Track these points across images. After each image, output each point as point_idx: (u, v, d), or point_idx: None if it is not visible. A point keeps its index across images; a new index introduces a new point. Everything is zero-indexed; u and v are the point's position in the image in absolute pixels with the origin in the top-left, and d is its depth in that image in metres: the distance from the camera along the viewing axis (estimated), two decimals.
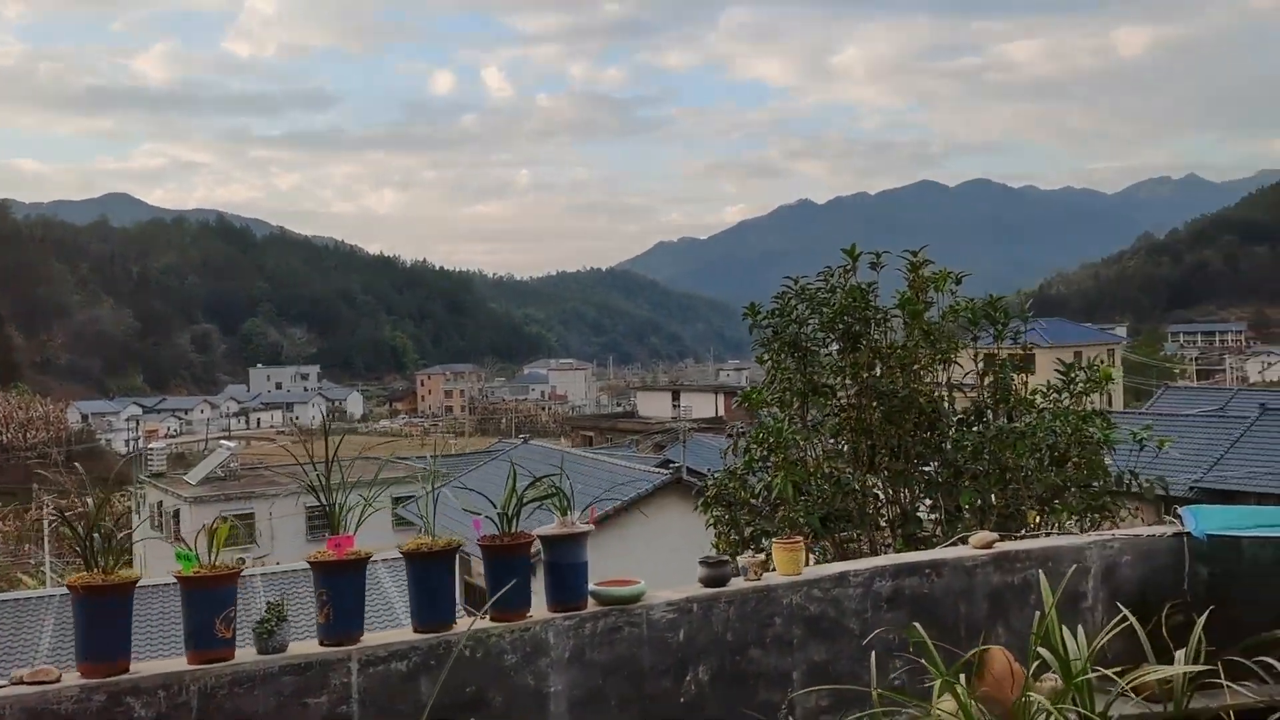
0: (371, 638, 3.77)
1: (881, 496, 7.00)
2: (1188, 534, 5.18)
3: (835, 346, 7.08)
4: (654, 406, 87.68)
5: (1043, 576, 3.71)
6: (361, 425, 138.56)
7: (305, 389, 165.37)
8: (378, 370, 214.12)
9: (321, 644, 3.69)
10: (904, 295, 7.00)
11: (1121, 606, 4.61)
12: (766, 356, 7.30)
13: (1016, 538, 5.23)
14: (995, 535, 5.06)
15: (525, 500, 4.06)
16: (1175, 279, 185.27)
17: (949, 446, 6.63)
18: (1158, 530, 5.32)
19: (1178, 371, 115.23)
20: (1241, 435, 42.63)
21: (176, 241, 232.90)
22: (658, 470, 32.38)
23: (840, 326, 6.98)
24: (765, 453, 6.97)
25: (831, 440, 7.13)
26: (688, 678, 4.24)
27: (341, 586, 3.70)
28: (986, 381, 7.15)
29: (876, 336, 6.92)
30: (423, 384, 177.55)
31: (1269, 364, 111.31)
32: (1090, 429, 6.49)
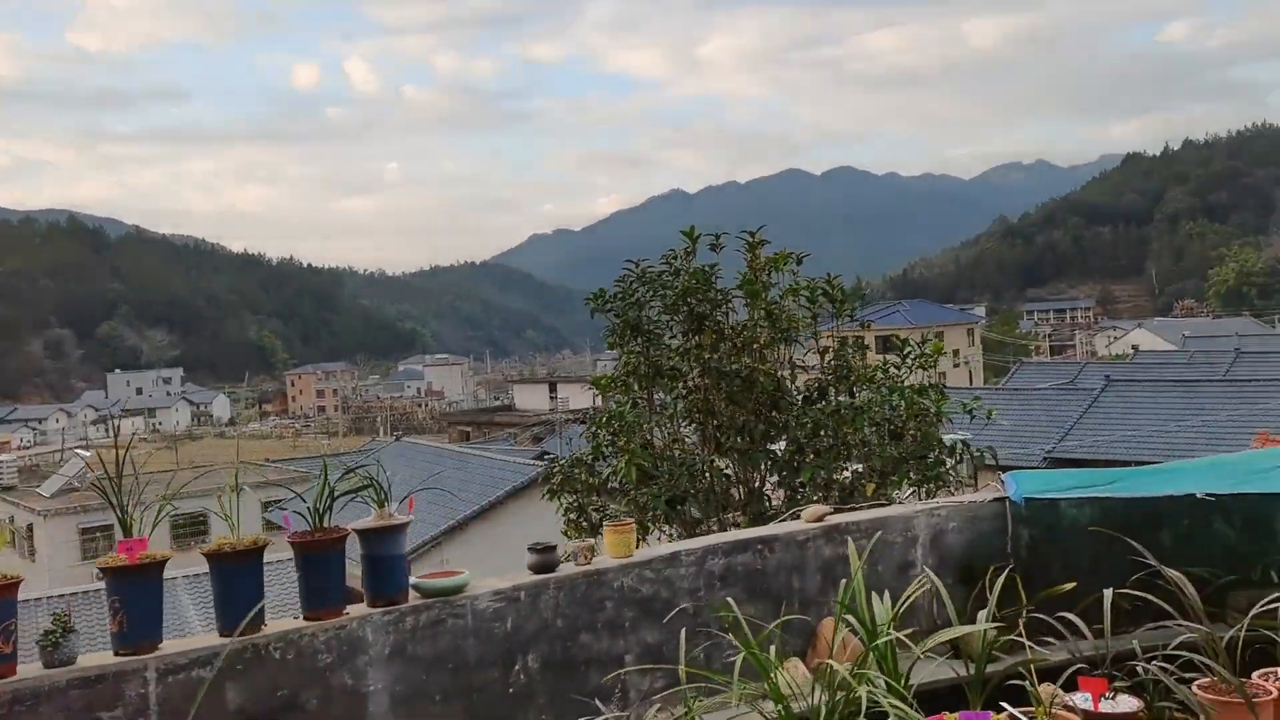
0: (171, 645, 3.57)
1: (731, 477, 7.05)
2: (1009, 498, 5.35)
3: (680, 329, 7.08)
4: (531, 399, 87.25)
5: (851, 546, 3.76)
6: (229, 429, 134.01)
7: (168, 394, 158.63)
8: (245, 372, 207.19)
9: (116, 654, 3.48)
10: (744, 276, 7.04)
11: (929, 574, 4.71)
12: (614, 342, 7.27)
13: (847, 510, 5.31)
14: (827, 509, 5.13)
15: (337, 494, 3.90)
16: (1029, 260, 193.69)
17: (792, 424, 6.72)
18: (980, 496, 5.49)
19: (1032, 348, 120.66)
20: (1089, 406, 44.91)
21: (24, 243, 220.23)
22: (534, 463, 32.22)
23: (684, 309, 6.99)
24: (611, 437, 6.94)
25: (682, 422, 7.14)
26: (516, 667, 4.16)
27: (135, 592, 3.49)
28: (827, 360, 7.26)
29: (720, 318, 6.95)
30: (293, 384, 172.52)
31: (1115, 338, 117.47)
32: (924, 402, 6.65)
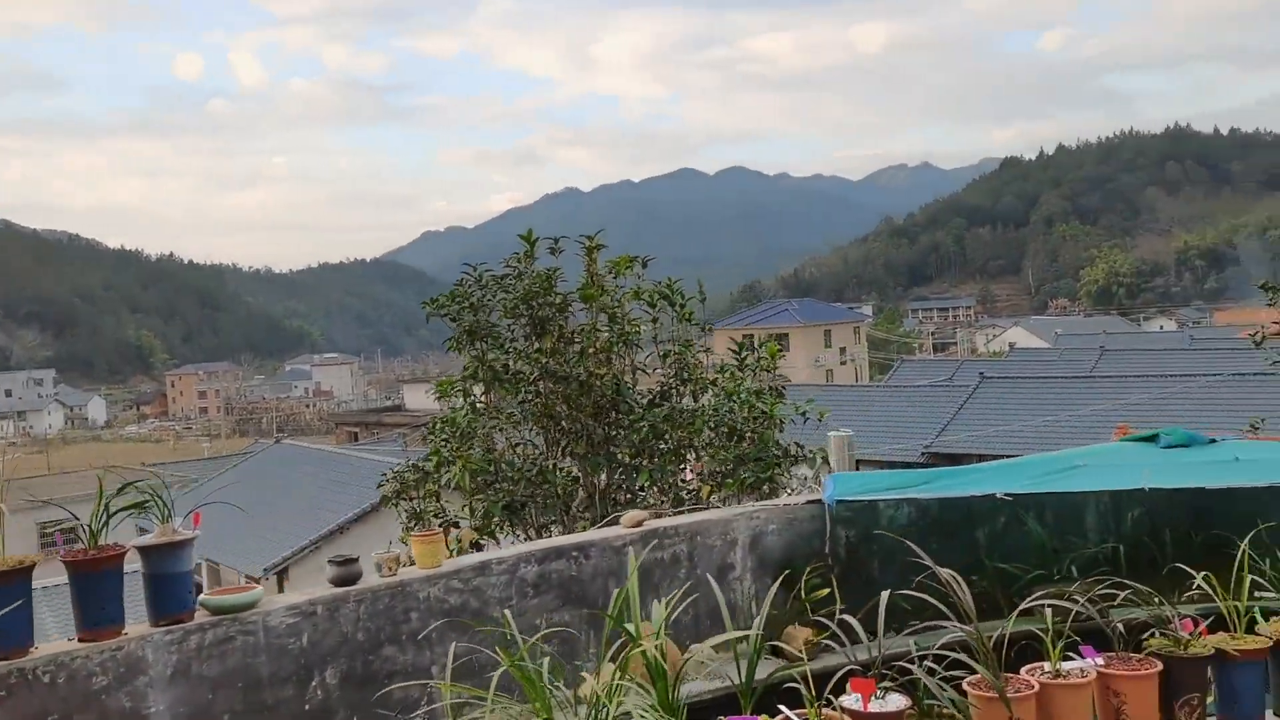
0: None
1: (578, 481, 7.04)
2: (839, 500, 5.45)
3: (522, 333, 7.05)
4: (422, 399, 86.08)
5: (632, 555, 3.80)
6: (105, 432, 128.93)
7: (40, 395, 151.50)
8: (122, 372, 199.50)
9: None
10: (583, 280, 7.06)
11: (732, 578, 4.79)
12: (452, 346, 7.19)
13: (669, 514, 5.36)
14: (645, 514, 5.17)
15: (113, 510, 3.76)
16: (913, 259, 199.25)
17: (628, 428, 6.75)
18: (794, 500, 5.59)
19: (916, 345, 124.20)
20: (965, 402, 46.44)
21: None
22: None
23: (525, 313, 6.95)
24: (445, 443, 6.86)
25: (528, 427, 7.11)
26: (313, 683, 4.07)
27: None
28: (668, 363, 7.32)
29: (561, 322, 6.94)
30: (173, 385, 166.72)
31: (994, 335, 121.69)
32: (760, 405, 6.76)
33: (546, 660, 3.14)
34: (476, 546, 6.79)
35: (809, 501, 5.42)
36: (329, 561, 4.25)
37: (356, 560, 4.25)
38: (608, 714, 2.81)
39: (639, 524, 5.07)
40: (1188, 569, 4.44)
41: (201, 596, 3.92)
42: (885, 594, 3.87)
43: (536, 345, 6.87)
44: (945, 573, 3.79)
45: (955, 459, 43.43)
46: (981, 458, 40.80)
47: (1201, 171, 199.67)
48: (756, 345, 7.60)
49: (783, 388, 7.48)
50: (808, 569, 5.34)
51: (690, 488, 6.80)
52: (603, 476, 7.04)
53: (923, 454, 43.68)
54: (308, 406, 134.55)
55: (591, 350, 6.88)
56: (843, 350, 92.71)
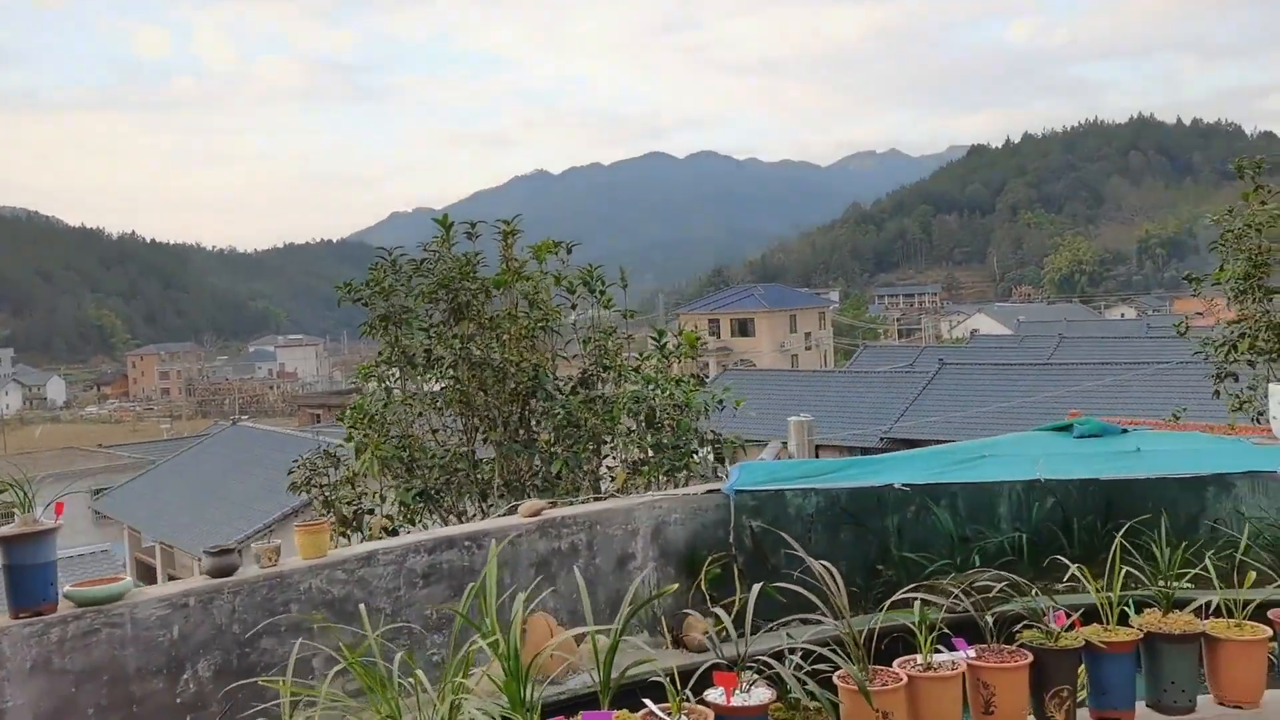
0: None
1: (494, 468, 6.98)
2: (736, 490, 5.43)
3: (441, 318, 6.97)
4: None
5: (493, 550, 3.74)
6: (65, 413, 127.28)
7: None
8: (83, 352, 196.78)
9: None
10: (501, 267, 6.99)
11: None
12: (367, 331, 7.08)
13: (567, 503, 5.32)
14: (544, 503, 5.12)
15: None
16: (880, 245, 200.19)
17: (542, 415, 6.70)
18: (695, 489, 5.57)
19: (882, 331, 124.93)
20: (924, 388, 46.80)
21: None
22: None
23: (444, 298, 6.87)
24: (354, 428, 6.77)
25: (447, 412, 7.04)
26: (185, 676, 4.00)
27: None
28: (588, 349, 7.27)
29: (480, 307, 6.85)
30: (134, 366, 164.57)
31: (958, 322, 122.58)
32: (676, 393, 6.73)
33: (398, 658, 3.08)
34: (393, 535, 6.72)
35: (708, 491, 5.40)
36: (204, 552, 4.18)
37: (234, 551, 4.18)
38: (443, 716, 2.77)
39: (537, 513, 5.03)
40: (1064, 560, 4.46)
41: (66, 588, 3.84)
42: (757, 587, 3.85)
43: (454, 331, 6.78)
44: (818, 565, 3.77)
45: (913, 444, 43.71)
46: (940, 443, 41.29)
47: (1164, 161, 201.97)
48: (679, 332, 7.55)
49: (704, 375, 7.45)
50: (709, 559, 5.32)
51: (609, 475, 6.77)
52: (520, 463, 6.98)
53: (881, 439, 43.99)
54: (271, 388, 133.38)
55: (508, 336, 6.81)
56: (808, 335, 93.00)
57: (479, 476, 6.87)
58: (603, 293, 7.25)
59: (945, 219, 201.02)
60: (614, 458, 6.89)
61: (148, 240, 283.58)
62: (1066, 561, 4.38)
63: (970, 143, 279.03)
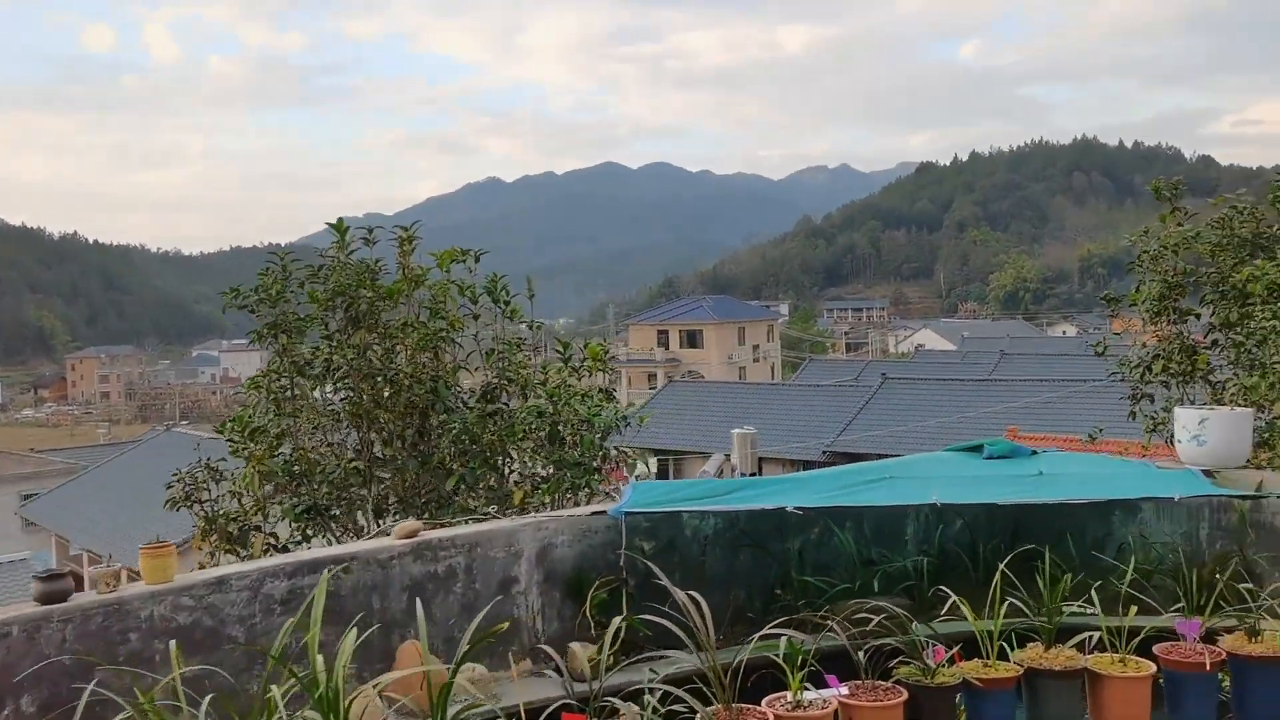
0: None
1: (389, 484, 6.71)
2: (626, 511, 5.20)
3: (337, 327, 6.68)
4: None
5: (322, 581, 3.51)
6: (0, 415, 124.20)
7: None
8: (21, 354, 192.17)
9: None
10: (402, 273, 6.72)
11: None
12: (255, 339, 6.76)
13: (444, 524, 5.08)
14: (419, 524, 4.88)
15: None
16: (830, 259, 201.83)
17: (437, 430, 6.45)
18: (581, 510, 5.35)
19: (830, 345, 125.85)
20: (866, 403, 47.09)
21: None
22: None
23: (340, 305, 6.59)
24: (230, 441, 6.46)
25: (343, 426, 6.76)
26: (5, 712, 3.69)
27: None
28: (491, 361, 7.03)
29: (377, 316, 6.58)
30: (74, 369, 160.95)
31: (904, 337, 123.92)
32: (579, 408, 6.51)
33: (206, 701, 2.83)
34: (283, 553, 6.43)
35: (594, 513, 5.18)
36: (34, 577, 3.87)
37: (66, 575, 3.88)
38: None
39: (412, 534, 4.78)
40: (946, 590, 4.30)
41: None
42: (617, 620, 3.64)
43: (350, 340, 6.51)
44: (682, 595, 3.58)
45: (855, 458, 43.98)
46: (881, 458, 41.47)
47: (1106, 183, 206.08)
48: (585, 344, 7.34)
49: (612, 389, 7.24)
50: (595, 583, 5.11)
51: (499, 492, 6.54)
52: (417, 479, 6.72)
53: (824, 453, 44.21)
54: (214, 393, 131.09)
55: (404, 346, 6.55)
56: (756, 348, 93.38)
57: (376, 492, 6.60)
58: (507, 303, 7.01)
59: (894, 234, 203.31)
60: (514, 475, 6.65)
61: (90, 241, 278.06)
62: (948, 591, 4.22)
63: (920, 160, 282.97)
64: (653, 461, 51.11)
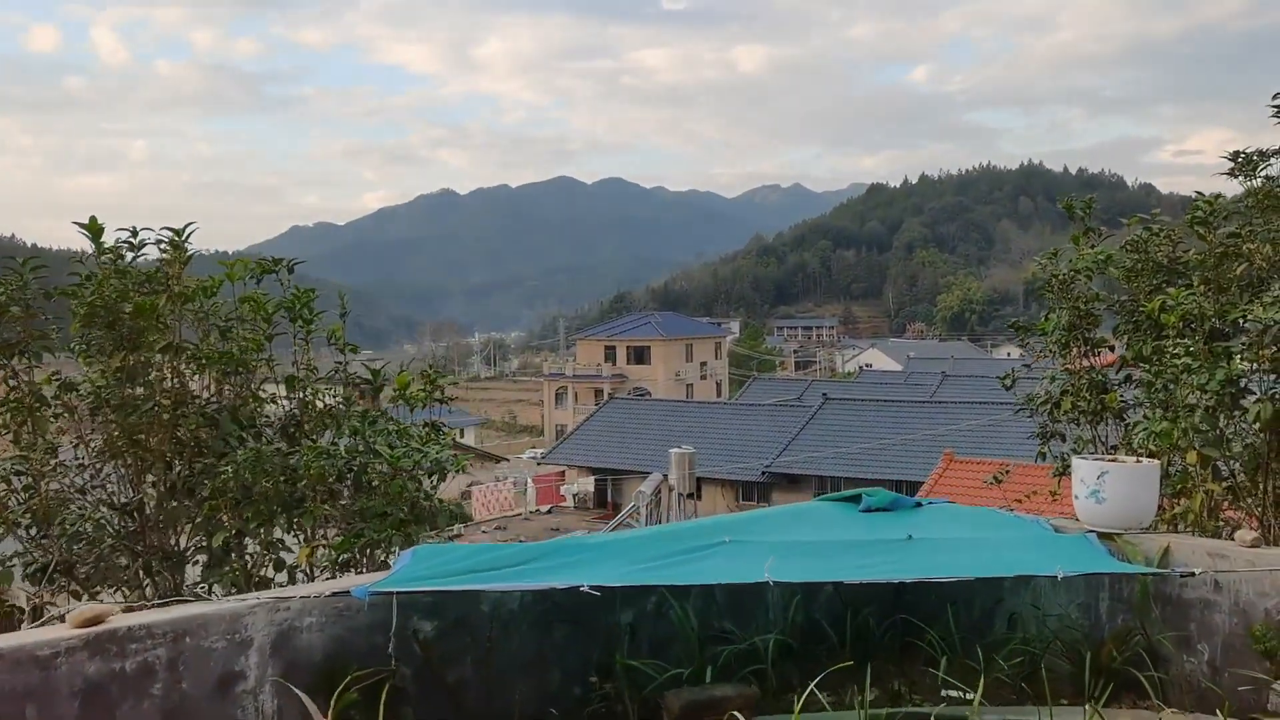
0: None
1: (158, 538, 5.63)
2: (374, 591, 4.14)
3: (97, 348, 5.60)
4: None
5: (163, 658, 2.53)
6: None
7: None
8: None
9: None
10: (164, 286, 5.65)
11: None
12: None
13: (142, 608, 4.03)
14: (108, 608, 3.83)
15: None
16: (781, 277, 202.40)
17: (202, 473, 5.39)
18: (316, 589, 4.32)
19: (779, 363, 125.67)
20: (806, 423, 46.44)
21: None
22: None
23: (103, 321, 5.51)
24: None
25: (102, 466, 5.66)
26: None
27: None
28: (294, 391, 5.98)
29: (141, 335, 5.50)
30: None
31: (852, 356, 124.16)
32: (384, 449, 5.48)
33: None
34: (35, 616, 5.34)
35: (332, 594, 4.15)
36: None
37: None
38: None
39: (95, 621, 3.73)
40: (803, 673, 3.36)
41: None
42: None
43: (112, 364, 5.45)
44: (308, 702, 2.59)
45: (794, 479, 43.40)
46: (820, 479, 40.70)
47: (1050, 207, 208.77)
48: (400, 370, 6.30)
49: (440, 423, 6.23)
50: (352, 675, 4.09)
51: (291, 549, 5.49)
52: (179, 533, 5.66)
53: (763, 473, 43.47)
54: None
55: (170, 371, 5.49)
56: (704, 365, 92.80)
57: (137, 547, 5.52)
58: (308, 321, 5.97)
59: (845, 254, 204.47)
60: (298, 529, 5.57)
61: (29, 244, 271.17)
62: (806, 674, 3.27)
63: (870, 181, 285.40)
64: (590, 481, 50.07)
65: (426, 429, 6.11)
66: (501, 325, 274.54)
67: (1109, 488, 5.20)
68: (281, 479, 5.23)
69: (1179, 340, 6.14)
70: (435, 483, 5.89)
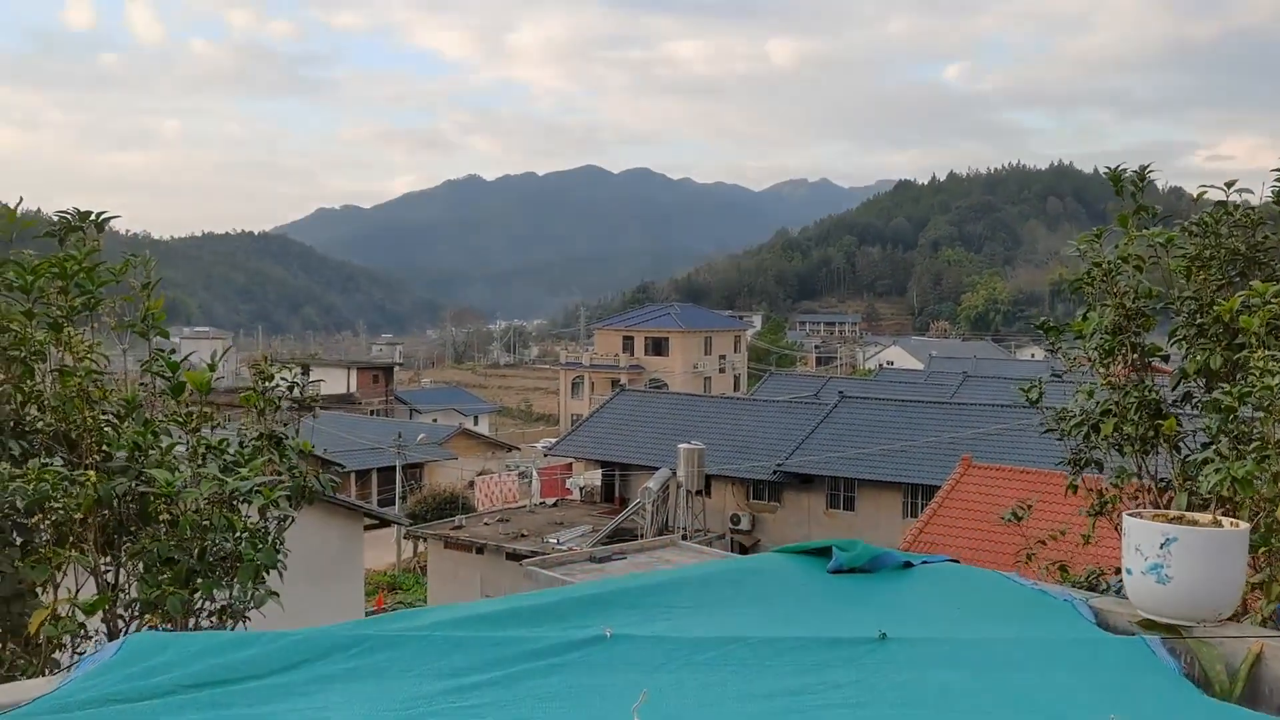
0: None
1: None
2: None
3: None
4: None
5: None
6: None
7: None
8: None
9: None
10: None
11: None
12: None
13: None
14: None
15: None
16: (805, 272, 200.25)
17: None
18: None
19: (799, 358, 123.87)
20: (820, 422, 44.72)
21: None
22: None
23: None
24: None
25: None
26: None
27: None
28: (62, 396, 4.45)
29: None
30: None
31: (874, 353, 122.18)
32: (158, 471, 3.94)
33: None
34: None
35: None
36: None
37: None
38: None
39: None
40: None
41: None
42: None
43: None
44: None
45: (806, 479, 41.72)
46: (833, 480, 38.93)
47: (1080, 209, 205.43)
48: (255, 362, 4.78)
49: (281, 435, 4.70)
50: None
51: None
52: None
53: (775, 472, 41.78)
54: None
55: None
56: (722, 358, 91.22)
57: None
58: (88, 292, 4.43)
59: (869, 250, 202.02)
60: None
61: (54, 220, 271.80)
62: None
63: (898, 178, 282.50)
64: (597, 474, 48.56)
65: (259, 443, 4.57)
66: (524, 312, 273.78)
67: (1176, 562, 3.60)
68: (4, 514, 3.70)
69: (1270, 353, 4.51)
70: (274, 519, 4.37)
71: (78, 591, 4.00)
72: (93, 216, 4.78)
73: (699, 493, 39.63)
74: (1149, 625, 3.63)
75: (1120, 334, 5.73)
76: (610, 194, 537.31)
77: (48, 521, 3.88)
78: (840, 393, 48.15)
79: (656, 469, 40.98)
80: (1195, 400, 5.78)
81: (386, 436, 51.12)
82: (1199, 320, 5.58)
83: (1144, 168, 6.11)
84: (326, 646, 2.98)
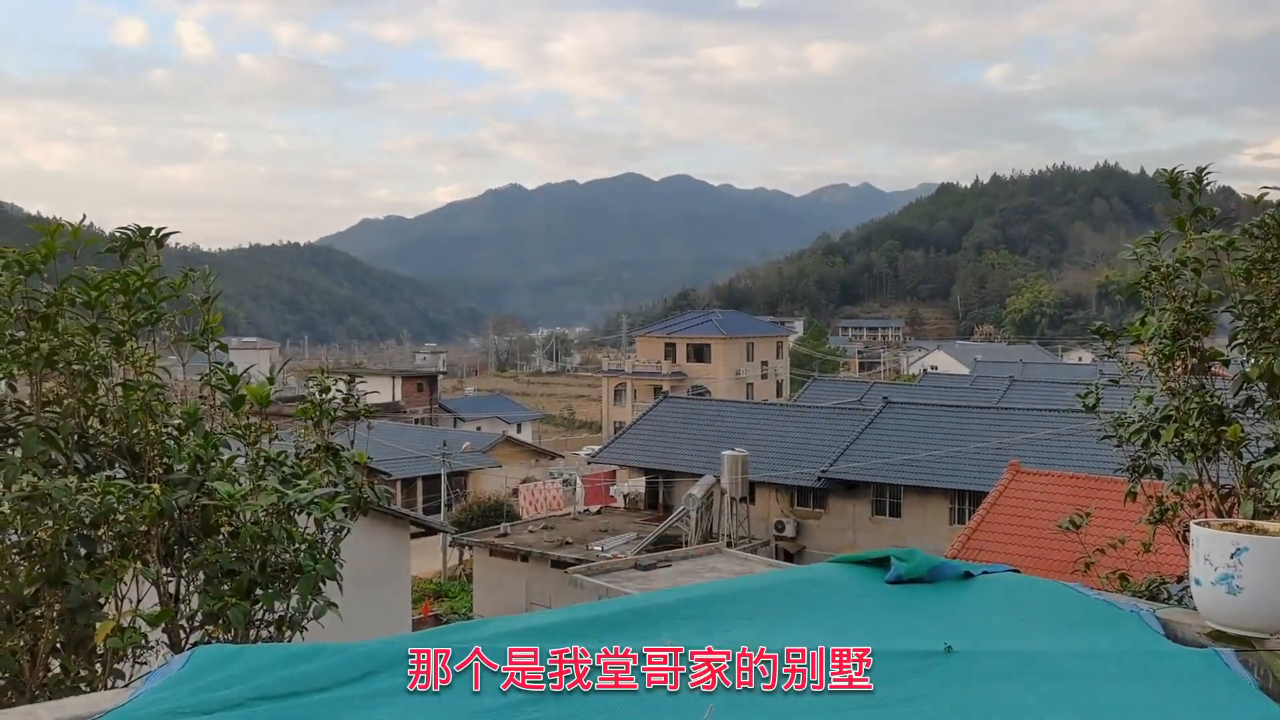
0: None
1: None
2: None
3: None
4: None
5: None
6: None
7: None
8: None
9: None
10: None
11: None
12: None
13: None
14: None
15: None
16: (847, 277, 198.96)
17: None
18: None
19: (842, 364, 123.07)
20: (865, 428, 44.35)
21: None
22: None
23: None
24: None
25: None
26: None
27: None
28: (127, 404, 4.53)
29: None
30: None
31: (918, 358, 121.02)
32: (222, 485, 4.00)
33: None
34: None
35: None
36: None
37: None
38: None
39: None
40: None
41: None
42: None
43: None
44: None
45: (850, 486, 41.40)
46: (878, 486, 38.56)
47: (1126, 210, 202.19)
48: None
49: (339, 447, 4.75)
50: None
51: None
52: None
53: (819, 479, 41.50)
54: None
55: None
56: (764, 364, 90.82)
57: None
58: (149, 306, 4.49)
59: (912, 254, 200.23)
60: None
61: (105, 233, 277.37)
62: None
63: (941, 181, 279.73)
64: (640, 481, 48.55)
65: (317, 455, 4.62)
66: (566, 320, 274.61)
67: (1248, 572, 3.51)
68: (69, 526, 3.77)
69: None
70: (331, 530, 4.42)
71: (139, 603, 4.06)
72: (153, 232, 4.85)
73: (743, 499, 39.47)
74: (1219, 637, 3.56)
75: (1180, 338, 5.62)
76: (651, 201, 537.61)
77: (112, 534, 3.94)
78: (885, 398, 47.72)
79: (700, 476, 40.86)
80: (1258, 405, 5.66)
81: (431, 445, 51.47)
82: (1261, 324, 5.46)
83: (1201, 169, 6.00)
84: (390, 659, 3.00)
